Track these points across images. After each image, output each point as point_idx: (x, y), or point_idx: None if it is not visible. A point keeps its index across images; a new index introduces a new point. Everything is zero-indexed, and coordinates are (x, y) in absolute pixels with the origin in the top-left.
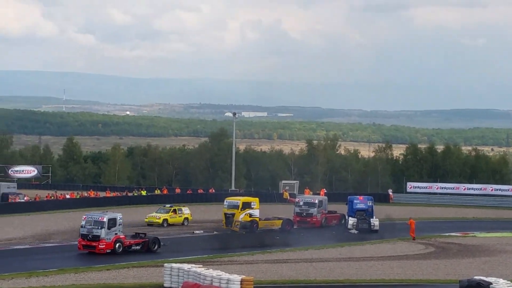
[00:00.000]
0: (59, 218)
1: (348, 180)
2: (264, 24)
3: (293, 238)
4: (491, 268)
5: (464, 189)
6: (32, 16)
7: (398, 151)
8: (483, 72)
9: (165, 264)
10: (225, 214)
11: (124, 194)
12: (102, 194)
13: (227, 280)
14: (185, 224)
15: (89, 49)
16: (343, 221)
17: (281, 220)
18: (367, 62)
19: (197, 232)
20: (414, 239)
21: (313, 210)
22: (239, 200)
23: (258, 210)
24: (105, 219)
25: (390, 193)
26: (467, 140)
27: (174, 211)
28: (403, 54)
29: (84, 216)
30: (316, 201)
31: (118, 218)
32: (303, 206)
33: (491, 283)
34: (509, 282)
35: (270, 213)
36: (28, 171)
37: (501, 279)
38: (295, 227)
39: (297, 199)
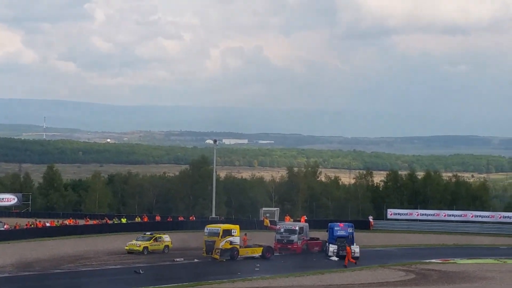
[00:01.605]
0: (39, 246)
1: (328, 206)
2: (245, 51)
3: (274, 265)
4: None
5: (445, 215)
6: (13, 44)
7: (378, 177)
8: (464, 99)
9: None
10: (206, 241)
11: (104, 221)
12: (81, 222)
13: None
14: (166, 251)
15: (71, 77)
16: (325, 248)
17: (262, 248)
18: (348, 89)
19: (177, 259)
20: (346, 265)
21: (294, 237)
22: (220, 227)
23: (238, 238)
24: None
25: (371, 220)
26: (447, 166)
27: (155, 238)
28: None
29: None
30: (297, 228)
31: None
32: (284, 233)
33: None
34: None
35: (251, 241)
36: (8, 199)
37: None
38: (276, 254)
39: (278, 226)
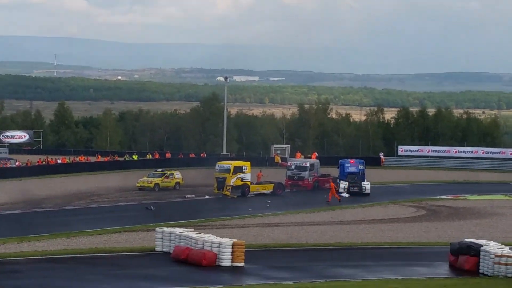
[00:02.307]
0: (51, 183)
1: (339, 143)
2: None
3: (285, 202)
4: (481, 231)
5: (455, 152)
6: None
7: (389, 114)
8: (475, 36)
9: (157, 229)
10: (217, 178)
11: (115, 158)
12: (93, 159)
13: (219, 244)
14: (177, 188)
15: (81, 14)
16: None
17: (273, 184)
18: (359, 26)
19: (188, 196)
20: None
21: (305, 174)
22: (231, 164)
23: (249, 174)
24: None
25: (382, 157)
26: (458, 103)
27: (166, 175)
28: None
29: None
30: (308, 165)
31: None
32: (294, 170)
33: (482, 246)
34: (499, 244)
35: (262, 177)
36: (19, 136)
37: (491, 242)
38: (287, 190)
39: (288, 163)
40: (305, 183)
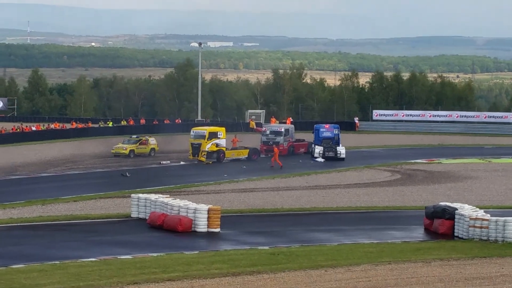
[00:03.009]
0: (25, 150)
1: (314, 108)
2: None
3: (260, 167)
4: (456, 194)
5: (430, 116)
6: None
7: (364, 79)
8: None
9: (132, 195)
10: (192, 144)
11: (89, 125)
12: (68, 126)
13: (194, 209)
14: (152, 154)
15: None
16: (310, 149)
17: (248, 150)
18: None
19: (164, 162)
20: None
21: (280, 139)
22: (206, 130)
23: (224, 140)
24: None
25: (356, 121)
26: (432, 67)
27: (141, 142)
28: None
29: None
30: (283, 130)
31: None
32: (269, 135)
33: (457, 209)
34: (474, 207)
35: (237, 143)
36: None
37: (466, 205)
38: (262, 156)
39: (263, 128)
40: (280, 148)
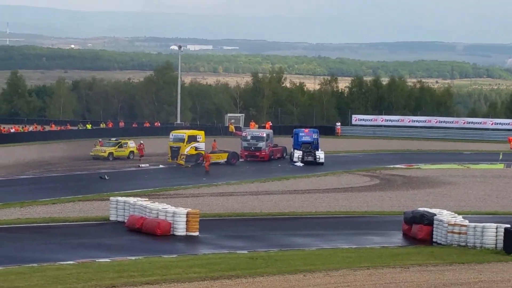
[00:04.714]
0: (3, 152)
1: (293, 113)
2: None
3: (239, 171)
4: (435, 200)
5: (409, 121)
6: None
7: (343, 83)
8: (428, 5)
9: (111, 198)
10: (171, 147)
11: (68, 127)
12: (47, 128)
13: (173, 213)
14: (131, 157)
15: None
16: (285, 154)
17: (227, 154)
18: None
19: (142, 165)
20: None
21: (262, 144)
22: (185, 133)
23: (203, 144)
24: None
25: (338, 127)
26: (412, 72)
27: (120, 144)
28: None
29: None
30: (264, 135)
31: None
32: (250, 140)
33: (435, 214)
34: (452, 213)
35: (216, 146)
36: None
37: (444, 210)
38: (241, 160)
39: (244, 133)
40: (262, 153)
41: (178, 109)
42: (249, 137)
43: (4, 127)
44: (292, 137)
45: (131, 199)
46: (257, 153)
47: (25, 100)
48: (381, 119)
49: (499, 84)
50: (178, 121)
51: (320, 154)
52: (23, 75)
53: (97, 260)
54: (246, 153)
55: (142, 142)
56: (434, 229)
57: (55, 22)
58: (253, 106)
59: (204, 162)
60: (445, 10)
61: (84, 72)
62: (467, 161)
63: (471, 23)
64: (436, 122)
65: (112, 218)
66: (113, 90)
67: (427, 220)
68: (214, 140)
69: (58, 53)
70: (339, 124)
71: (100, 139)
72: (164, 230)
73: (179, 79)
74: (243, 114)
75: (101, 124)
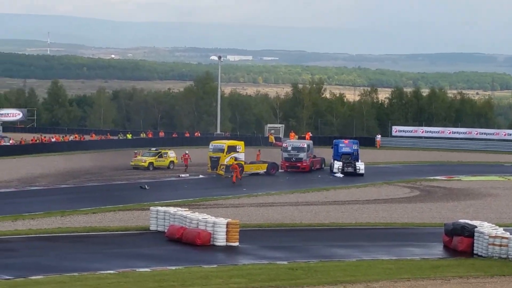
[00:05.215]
0: (44, 161)
1: (333, 123)
2: None
3: (279, 182)
4: (475, 212)
5: (449, 132)
6: None
7: (383, 95)
8: (469, 16)
9: (151, 208)
10: (211, 157)
11: (108, 137)
12: (87, 137)
13: (213, 223)
14: (171, 167)
15: None
16: (323, 165)
17: (266, 164)
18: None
19: (182, 175)
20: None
21: (303, 155)
22: (225, 143)
23: (243, 154)
24: None
25: (378, 139)
26: (452, 84)
27: (160, 154)
28: None
29: None
30: (305, 146)
31: None
32: (291, 151)
33: (476, 226)
34: (493, 225)
35: (256, 157)
36: (13, 114)
37: (485, 222)
38: (280, 171)
39: (284, 144)
40: (303, 164)
41: (218, 119)
42: (290, 148)
43: (45, 137)
44: (332, 148)
45: (171, 209)
46: (298, 164)
47: (65, 109)
48: (421, 131)
49: None
50: (218, 131)
51: (360, 165)
52: (64, 85)
53: (137, 270)
54: (287, 164)
55: (187, 152)
56: (475, 241)
57: (96, 32)
58: (292, 116)
59: (233, 172)
60: (485, 21)
61: (124, 82)
62: (508, 173)
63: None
64: (477, 133)
65: (152, 228)
66: (153, 100)
67: (468, 232)
68: (259, 150)
69: (98, 63)
70: (379, 136)
71: (136, 150)
72: (204, 240)
73: (219, 90)
74: (283, 125)
75: (141, 134)
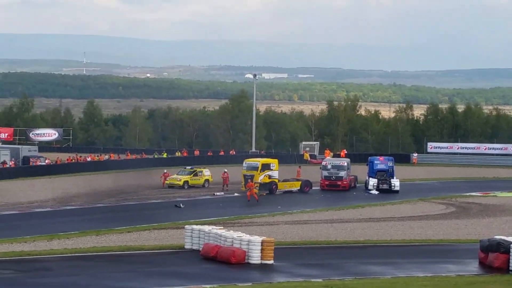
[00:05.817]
0: (80, 180)
1: (368, 140)
2: None
3: (313, 199)
4: (511, 228)
5: (485, 149)
6: None
7: (418, 111)
8: (504, 32)
9: (186, 226)
10: (244, 175)
11: (144, 156)
12: (122, 156)
13: (248, 241)
14: (206, 186)
15: (110, 12)
16: (356, 183)
17: (300, 182)
18: (387, 23)
19: (217, 193)
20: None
21: (343, 173)
22: (258, 161)
23: (277, 172)
24: None
25: (414, 156)
26: (488, 99)
27: (195, 173)
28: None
29: None
30: (345, 164)
31: None
32: (331, 170)
33: None
34: None
35: (290, 175)
36: (49, 134)
37: None
38: (315, 188)
39: (324, 163)
40: (344, 183)
41: (253, 137)
42: (329, 166)
43: (80, 156)
44: (367, 165)
45: (206, 228)
46: (339, 182)
47: (101, 129)
48: (457, 147)
49: None
50: (253, 149)
51: (395, 182)
52: (100, 104)
53: None
54: (327, 183)
55: (226, 170)
56: (511, 257)
57: (131, 52)
58: (328, 134)
59: (248, 190)
60: None
61: (159, 101)
62: None
63: None
64: None
65: (187, 246)
66: (188, 118)
67: (504, 248)
68: (299, 166)
69: (134, 82)
70: (416, 154)
71: (165, 170)
72: (239, 258)
73: (254, 108)
74: (318, 142)
75: (177, 153)
